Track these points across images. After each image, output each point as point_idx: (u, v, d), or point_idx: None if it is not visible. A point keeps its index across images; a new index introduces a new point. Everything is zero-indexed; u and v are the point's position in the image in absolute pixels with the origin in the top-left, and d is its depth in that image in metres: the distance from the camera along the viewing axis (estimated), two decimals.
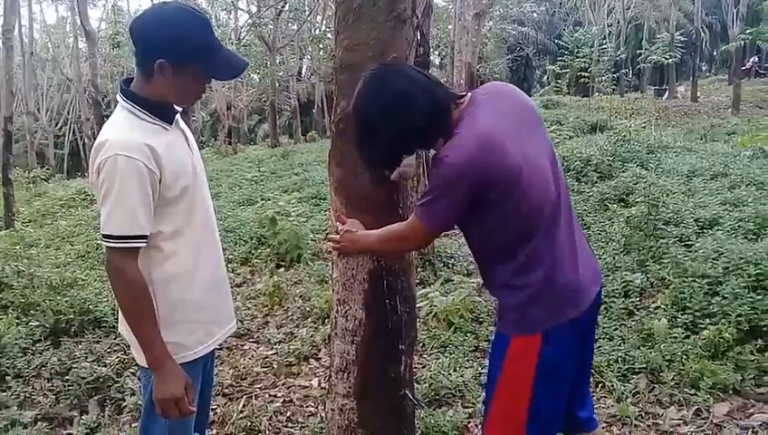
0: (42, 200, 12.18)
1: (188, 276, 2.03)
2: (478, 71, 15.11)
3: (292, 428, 3.33)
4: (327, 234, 2.40)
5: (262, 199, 8.88)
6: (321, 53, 26.44)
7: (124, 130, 1.89)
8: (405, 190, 2.41)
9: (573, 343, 2.04)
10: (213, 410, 3.37)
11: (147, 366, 1.96)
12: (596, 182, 7.22)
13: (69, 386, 3.96)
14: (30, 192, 13.89)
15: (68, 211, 11.02)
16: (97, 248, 7.19)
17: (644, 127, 10.69)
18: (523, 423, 2.02)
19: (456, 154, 1.83)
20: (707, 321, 3.78)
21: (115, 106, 2.01)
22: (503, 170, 1.83)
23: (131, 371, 4.16)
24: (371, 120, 1.93)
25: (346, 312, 2.43)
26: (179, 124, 2.10)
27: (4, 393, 3.84)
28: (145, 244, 1.89)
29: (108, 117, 2.03)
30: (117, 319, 4.69)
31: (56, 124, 30.70)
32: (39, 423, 3.63)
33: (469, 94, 2.01)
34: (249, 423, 3.36)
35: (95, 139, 1.97)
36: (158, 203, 1.91)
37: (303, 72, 33.19)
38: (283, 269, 6.16)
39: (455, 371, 3.70)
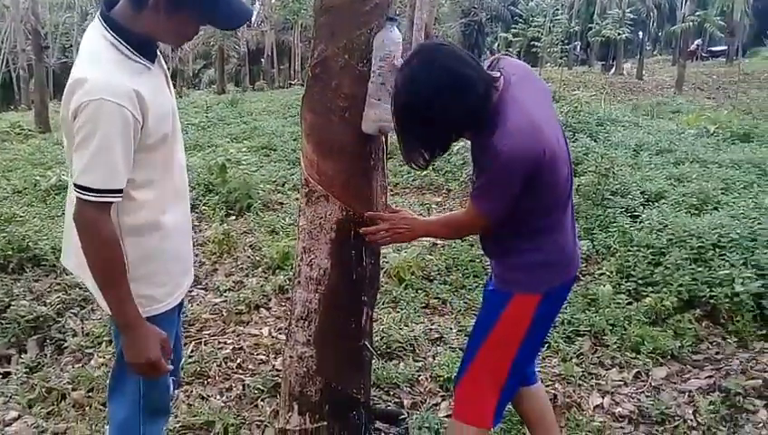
0: None
1: (165, 226, 1.90)
2: (433, 33, 14.99)
3: (242, 374, 3.31)
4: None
5: (210, 146, 8.67)
6: (273, 1, 25.72)
7: (110, 69, 1.69)
8: (378, 141, 2.38)
9: (560, 302, 2.25)
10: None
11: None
12: None
13: (7, 324, 3.83)
14: None
15: (2, 145, 10.51)
16: (35, 185, 6.91)
17: (593, 100, 10.88)
18: (505, 373, 2.12)
19: (512, 142, 1.83)
20: (650, 289, 3.93)
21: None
22: (548, 153, 1.87)
23: (72, 311, 4.06)
24: (422, 101, 1.85)
25: (311, 260, 2.41)
26: (161, 63, 1.93)
27: None
28: (121, 198, 1.74)
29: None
30: (57, 258, 4.58)
31: None
32: None
33: (503, 76, 1.96)
34: (198, 368, 3.33)
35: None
36: (135, 150, 1.75)
37: (254, 18, 32.29)
38: (232, 218, 6.06)
39: (406, 326, 3.74)
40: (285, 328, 3.06)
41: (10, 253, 4.55)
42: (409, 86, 1.87)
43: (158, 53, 1.92)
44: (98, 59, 1.72)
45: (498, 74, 1.95)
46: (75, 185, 1.68)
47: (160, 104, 1.82)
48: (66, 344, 3.69)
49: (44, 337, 3.80)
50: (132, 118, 1.68)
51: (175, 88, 2.25)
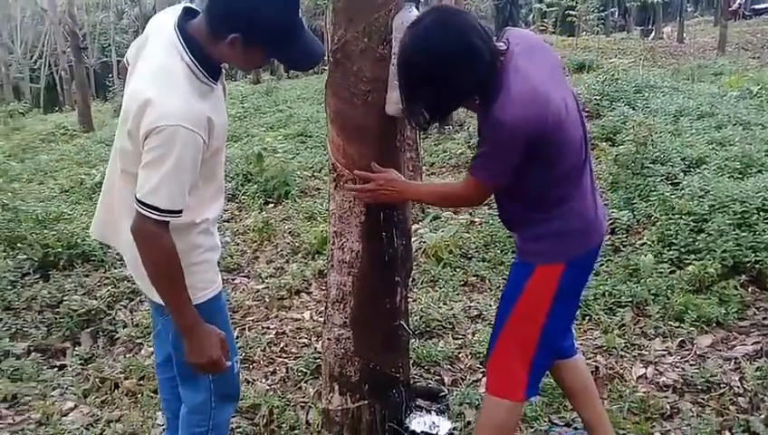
0: (21, 134, 11.95)
1: (204, 223, 1.97)
2: (465, 7, 14.80)
3: (286, 358, 3.39)
4: (335, 174, 2.35)
5: (247, 136, 8.78)
6: None
7: (188, 95, 1.73)
8: (403, 122, 2.39)
9: (586, 271, 2.22)
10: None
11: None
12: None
13: (60, 318, 3.99)
14: (8, 126, 13.60)
15: (48, 146, 10.84)
16: (81, 183, 7.12)
17: (631, 67, 10.62)
18: (534, 345, 2.12)
19: (513, 111, 1.83)
20: (692, 257, 3.86)
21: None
22: (552, 121, 1.86)
23: (122, 303, 4.19)
24: (431, 65, 1.85)
25: (342, 244, 2.44)
26: (222, 79, 1.97)
27: None
28: (181, 217, 1.79)
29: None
30: (105, 253, 4.73)
31: (31, 57, 29.81)
32: (32, 354, 3.67)
33: (508, 48, 1.96)
34: (243, 354, 3.41)
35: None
36: None
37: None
38: (271, 205, 6.15)
39: (444, 304, 3.76)
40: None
41: (60, 250, 4.71)
42: (420, 43, 1.87)
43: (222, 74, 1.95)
44: (175, 81, 1.74)
45: (504, 46, 1.95)
46: (140, 202, 1.72)
47: (219, 122, 1.87)
48: (117, 336, 3.83)
49: (97, 330, 3.95)
50: (203, 143, 1.75)
51: None
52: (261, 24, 1.73)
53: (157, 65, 1.77)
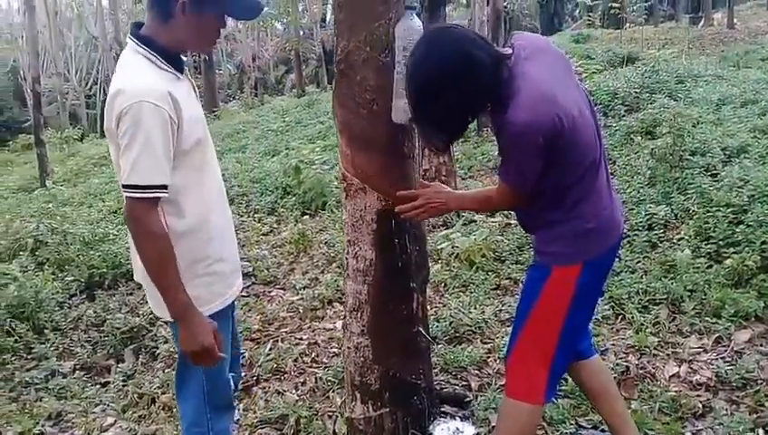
0: (75, 160, 12.43)
1: (208, 229, 2.02)
2: (505, 7, 14.64)
3: (316, 368, 3.42)
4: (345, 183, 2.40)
5: (286, 149, 8.92)
6: None
7: (146, 76, 1.86)
8: (410, 130, 2.40)
9: (604, 272, 2.20)
10: (241, 353, 3.48)
11: (170, 320, 1.95)
12: (623, 116, 7.03)
13: (105, 337, 4.13)
14: (63, 152, 14.15)
15: (100, 169, 11.23)
16: None
17: (675, 57, 10.34)
18: (553, 347, 2.11)
19: (525, 114, 1.85)
20: (731, 250, 3.73)
21: None
22: (565, 120, 1.86)
23: (163, 320, 4.30)
24: (435, 83, 1.89)
25: (356, 253, 2.47)
26: (187, 74, 2.08)
27: (44, 345, 4.03)
28: (167, 194, 1.86)
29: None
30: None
31: (86, 84, 30.89)
32: (77, 372, 3.81)
33: (514, 53, 1.98)
34: (275, 365, 3.47)
35: None
36: (174, 153, 1.88)
37: (328, 18, 32.66)
38: (308, 217, 6.23)
39: (475, 308, 3.74)
40: None
41: (104, 270, 4.89)
42: (420, 70, 1.91)
43: (185, 67, 2.07)
44: (132, 69, 1.89)
45: (510, 51, 1.96)
46: (124, 186, 1.83)
47: (192, 109, 1.97)
48: (158, 352, 3.93)
49: (139, 346, 4.06)
50: (169, 117, 1.83)
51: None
52: None
53: (119, 68, 1.92)
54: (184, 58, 2.08)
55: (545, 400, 2.18)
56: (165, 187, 1.85)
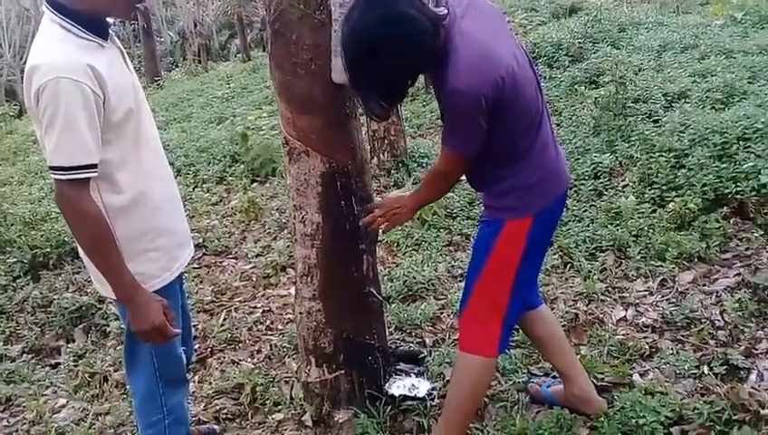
0: (12, 137, 11.94)
1: (149, 202, 1.95)
2: None
3: (271, 335, 3.41)
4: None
5: (233, 116, 8.72)
6: None
7: (62, 49, 1.73)
8: (348, 90, 2.35)
9: (553, 222, 2.24)
10: (194, 326, 3.43)
11: (115, 298, 1.91)
12: (567, 67, 7.06)
13: (53, 317, 4.02)
14: (1, 130, 13.58)
15: (39, 146, 10.82)
16: None
17: (617, 5, 10.41)
18: (506, 299, 2.14)
19: (466, 77, 1.81)
20: (673, 194, 3.81)
21: None
22: (506, 78, 1.83)
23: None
24: (373, 47, 1.80)
25: (303, 217, 2.43)
26: (115, 41, 1.95)
27: None
28: (96, 173, 1.77)
29: None
30: None
31: (21, 58, 29.62)
32: (26, 355, 3.72)
33: (449, 12, 1.91)
34: (230, 335, 3.44)
35: None
36: (102, 129, 1.78)
37: None
38: (257, 184, 6.13)
39: (428, 266, 3.76)
40: None
41: (48, 250, 4.73)
42: (356, 36, 1.83)
43: (112, 32, 1.94)
44: (48, 42, 1.76)
45: (445, 11, 1.89)
46: (50, 167, 1.73)
47: (118, 78, 1.85)
48: (109, 329, 3.85)
49: (89, 325, 3.97)
50: (92, 92, 1.72)
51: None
52: None
53: (36, 40, 1.79)
54: (110, 21, 1.93)
55: (498, 352, 2.21)
56: (93, 166, 1.75)
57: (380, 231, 2.47)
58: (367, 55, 1.83)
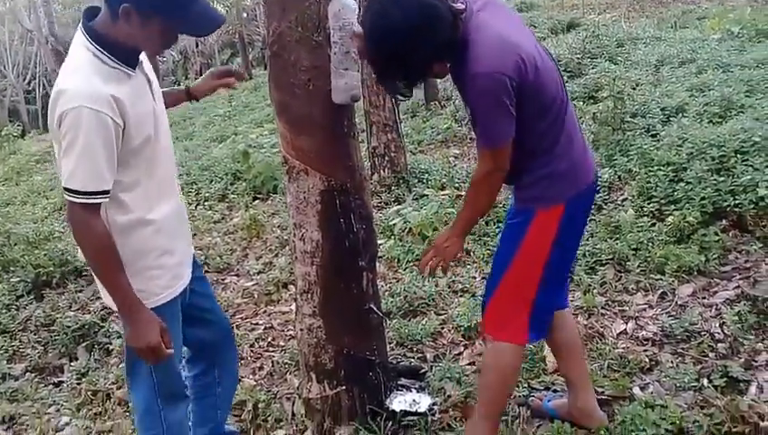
0: (16, 157, 12.03)
1: (154, 222, 1.99)
2: None
3: (273, 352, 3.43)
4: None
5: (234, 134, 8.79)
6: None
7: (88, 78, 1.78)
8: (348, 108, 2.39)
9: (584, 211, 2.23)
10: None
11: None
12: (566, 82, 7.09)
13: (56, 336, 4.03)
14: (4, 150, 13.68)
15: (42, 166, 10.92)
16: None
17: (615, 20, 10.52)
18: (534, 288, 2.14)
19: (487, 62, 1.86)
20: (672, 207, 3.83)
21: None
22: (525, 59, 1.87)
23: (115, 315, 4.23)
24: (396, 35, 1.87)
25: (302, 235, 2.46)
26: (143, 68, 1.99)
27: None
28: (108, 198, 1.84)
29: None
30: None
31: (24, 79, 29.85)
32: (29, 374, 3.73)
33: (466, 7, 1.97)
34: None
35: None
36: (120, 153, 1.84)
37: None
38: (259, 201, 6.17)
39: (428, 281, 3.77)
40: None
41: (51, 269, 4.76)
42: (380, 21, 1.90)
43: (143, 59, 1.99)
44: (78, 69, 1.82)
45: (462, 6, 1.95)
46: (64, 188, 1.80)
47: (140, 108, 1.90)
48: (112, 347, 3.86)
49: (92, 343, 3.98)
50: (112, 122, 1.78)
51: None
52: None
53: (67, 63, 1.85)
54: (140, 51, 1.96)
55: (529, 340, 2.23)
56: (106, 192, 1.82)
57: (439, 272, 2.35)
58: (392, 42, 1.89)
